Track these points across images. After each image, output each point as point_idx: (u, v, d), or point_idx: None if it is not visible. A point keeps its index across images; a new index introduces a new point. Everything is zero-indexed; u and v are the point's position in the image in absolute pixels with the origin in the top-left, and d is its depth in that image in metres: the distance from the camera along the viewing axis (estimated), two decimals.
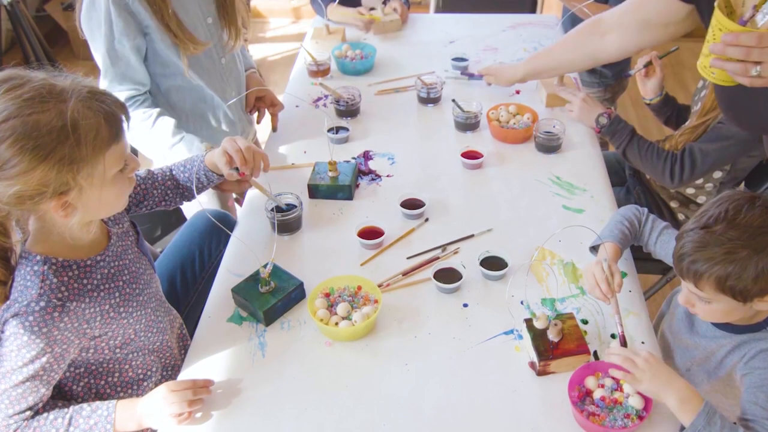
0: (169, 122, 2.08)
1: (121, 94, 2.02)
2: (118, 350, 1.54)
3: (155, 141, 2.08)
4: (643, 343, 1.57)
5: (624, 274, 1.74)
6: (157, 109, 2.09)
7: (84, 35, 2.00)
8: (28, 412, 1.41)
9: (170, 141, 2.06)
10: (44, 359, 1.37)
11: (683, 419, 1.34)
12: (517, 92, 2.47)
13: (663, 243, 1.70)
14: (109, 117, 1.33)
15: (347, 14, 2.95)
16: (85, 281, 1.44)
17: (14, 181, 1.26)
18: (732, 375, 1.47)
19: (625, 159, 2.18)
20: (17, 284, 1.38)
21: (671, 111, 2.34)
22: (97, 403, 1.46)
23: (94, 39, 1.98)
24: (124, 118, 1.38)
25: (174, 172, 1.82)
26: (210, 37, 2.13)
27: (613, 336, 1.59)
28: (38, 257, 1.39)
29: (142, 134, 2.07)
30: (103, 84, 2.02)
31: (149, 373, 1.63)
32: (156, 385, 1.59)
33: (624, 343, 1.53)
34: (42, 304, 1.34)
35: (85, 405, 1.46)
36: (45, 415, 1.43)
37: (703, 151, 2.00)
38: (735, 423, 1.32)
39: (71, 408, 1.45)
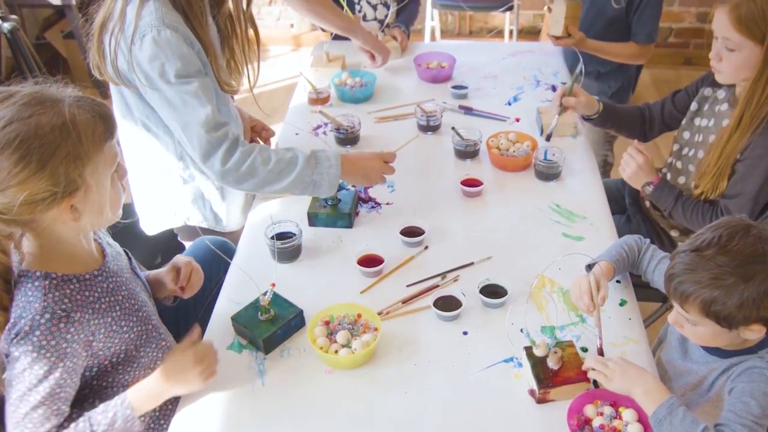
0: (294, 152, 1.89)
1: (224, 148, 1.82)
2: (120, 368, 1.55)
3: (291, 176, 1.87)
4: None
5: (623, 302, 1.74)
6: (259, 146, 1.88)
7: (144, 85, 1.79)
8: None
9: (306, 161, 1.87)
10: (57, 374, 1.38)
11: (647, 409, 1.38)
12: (517, 120, 2.49)
13: (661, 272, 1.70)
14: (102, 114, 1.41)
15: None
16: (86, 293, 1.46)
17: (24, 186, 1.30)
18: (721, 395, 1.47)
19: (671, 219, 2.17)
20: (18, 301, 1.40)
21: (612, 120, 2.30)
22: (106, 403, 1.48)
23: (156, 86, 1.77)
24: (111, 116, 1.44)
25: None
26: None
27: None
28: (38, 273, 1.41)
29: (275, 174, 1.87)
30: (198, 149, 1.80)
31: None
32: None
33: (601, 355, 1.57)
34: (47, 316, 1.37)
35: (95, 409, 1.47)
36: (68, 426, 1.44)
37: (741, 203, 1.98)
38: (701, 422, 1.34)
39: (85, 414, 1.46)
